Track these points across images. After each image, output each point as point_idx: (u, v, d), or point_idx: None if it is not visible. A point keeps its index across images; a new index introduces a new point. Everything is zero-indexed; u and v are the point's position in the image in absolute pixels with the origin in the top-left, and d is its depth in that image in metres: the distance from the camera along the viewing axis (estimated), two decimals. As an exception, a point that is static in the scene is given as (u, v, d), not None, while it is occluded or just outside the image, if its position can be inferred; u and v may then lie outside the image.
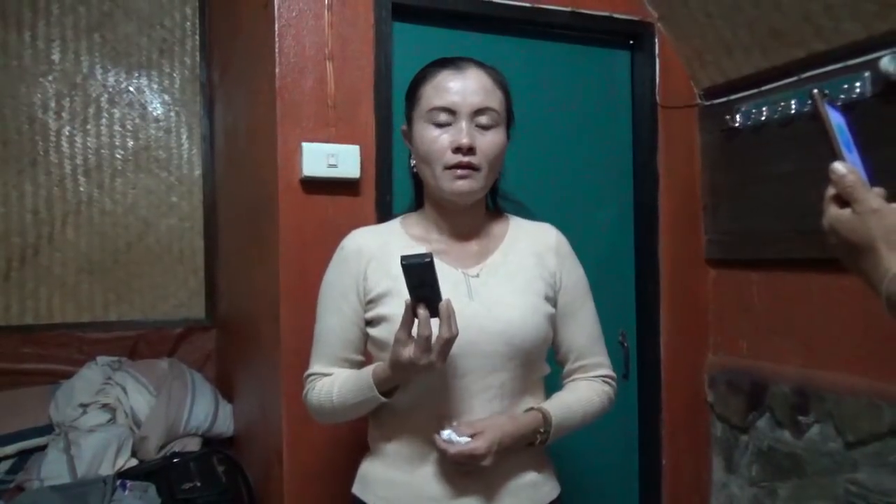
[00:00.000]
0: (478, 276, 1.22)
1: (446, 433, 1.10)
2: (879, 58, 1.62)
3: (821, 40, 1.75)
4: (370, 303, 1.21)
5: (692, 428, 2.19)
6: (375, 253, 1.22)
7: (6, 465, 2.11)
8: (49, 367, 2.49)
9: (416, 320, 1.03)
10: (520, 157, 2.01)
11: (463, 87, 1.18)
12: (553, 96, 2.06)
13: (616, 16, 2.08)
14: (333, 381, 1.20)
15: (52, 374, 2.46)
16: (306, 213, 1.71)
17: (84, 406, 2.21)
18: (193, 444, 2.24)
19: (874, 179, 0.82)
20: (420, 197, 1.31)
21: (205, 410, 2.29)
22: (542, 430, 1.17)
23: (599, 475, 2.12)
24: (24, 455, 2.14)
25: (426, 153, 1.19)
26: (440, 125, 1.18)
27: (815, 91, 0.85)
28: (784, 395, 1.93)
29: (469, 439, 1.09)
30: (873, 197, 0.79)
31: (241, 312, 2.28)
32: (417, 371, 1.07)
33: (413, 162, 1.27)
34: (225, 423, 2.34)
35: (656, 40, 2.14)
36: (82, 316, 2.63)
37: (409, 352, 1.04)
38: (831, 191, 0.81)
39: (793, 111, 1.86)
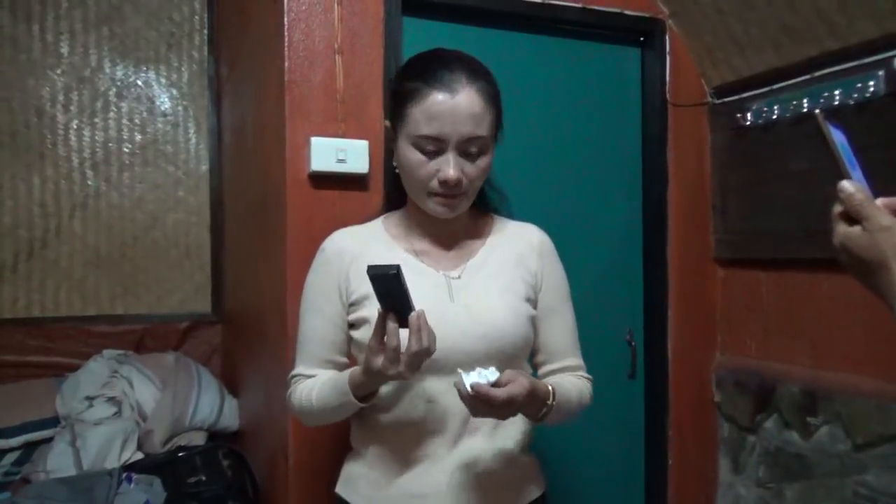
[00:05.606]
0: (459, 277, 1.21)
1: (474, 373, 1.04)
2: (893, 56, 1.61)
3: (834, 38, 1.73)
4: (352, 305, 1.21)
5: (699, 428, 2.18)
6: (357, 255, 1.21)
7: (13, 456, 2.13)
8: (55, 359, 2.51)
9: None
10: (528, 154, 2.01)
11: (452, 114, 1.11)
12: (562, 93, 2.05)
13: (627, 12, 2.07)
14: (314, 383, 1.20)
15: (58, 367, 2.47)
16: (314, 209, 1.71)
17: (90, 399, 2.21)
18: (199, 439, 2.25)
19: (887, 178, 0.82)
20: (403, 195, 1.28)
21: (210, 405, 2.30)
22: (548, 402, 1.15)
23: (605, 474, 2.12)
24: (30, 447, 2.16)
25: (409, 174, 1.17)
26: (426, 152, 1.14)
27: (818, 111, 0.85)
28: (792, 396, 1.91)
29: (497, 374, 1.04)
30: (882, 214, 0.79)
31: (248, 307, 2.28)
32: (388, 380, 1.06)
33: (395, 163, 1.23)
34: (230, 418, 2.34)
35: (667, 37, 2.12)
36: (89, 309, 2.64)
37: (379, 361, 1.03)
38: (838, 208, 0.82)
39: (805, 110, 1.84)
